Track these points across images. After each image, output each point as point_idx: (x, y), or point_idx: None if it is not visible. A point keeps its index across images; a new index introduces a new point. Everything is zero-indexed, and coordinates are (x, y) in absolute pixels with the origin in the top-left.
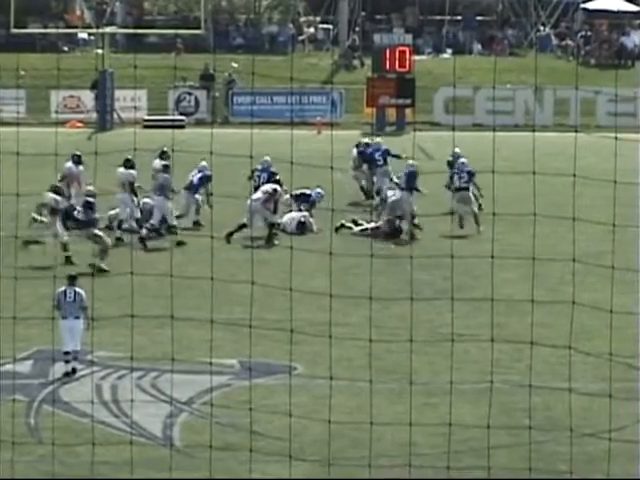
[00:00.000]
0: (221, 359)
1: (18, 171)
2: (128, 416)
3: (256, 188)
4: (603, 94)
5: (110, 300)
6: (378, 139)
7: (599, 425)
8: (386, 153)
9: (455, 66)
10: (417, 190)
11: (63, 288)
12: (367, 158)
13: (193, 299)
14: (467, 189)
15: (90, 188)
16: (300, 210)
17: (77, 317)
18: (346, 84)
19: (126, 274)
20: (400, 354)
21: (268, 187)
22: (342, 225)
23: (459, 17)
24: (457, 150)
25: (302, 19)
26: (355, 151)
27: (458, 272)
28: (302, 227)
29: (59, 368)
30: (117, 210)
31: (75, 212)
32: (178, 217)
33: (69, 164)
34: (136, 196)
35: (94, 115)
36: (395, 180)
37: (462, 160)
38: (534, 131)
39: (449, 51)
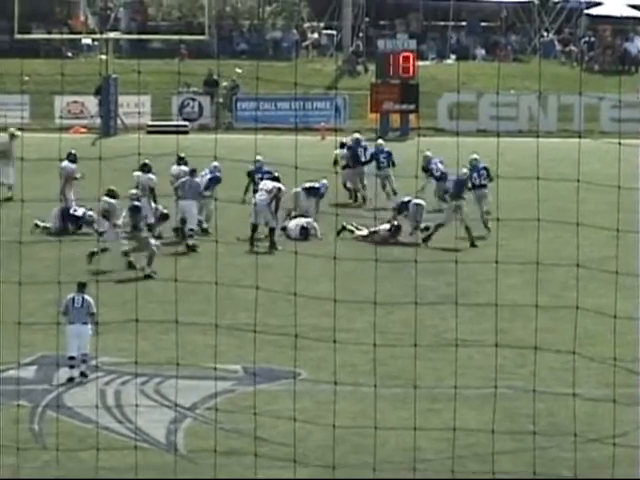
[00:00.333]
0: (225, 365)
1: (22, 176)
2: (132, 422)
3: (255, 191)
4: (607, 100)
5: (114, 305)
6: (380, 141)
7: (603, 430)
8: (389, 155)
9: (459, 72)
10: (462, 198)
11: (72, 295)
12: (356, 156)
13: (197, 304)
14: (485, 186)
15: (134, 191)
16: (310, 200)
17: (85, 323)
18: (350, 90)
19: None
20: (404, 359)
21: (271, 186)
22: (343, 228)
23: (463, 23)
24: (476, 156)
25: (306, 25)
26: (339, 151)
27: (462, 277)
28: (305, 233)
29: (63, 373)
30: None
31: (72, 211)
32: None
33: (64, 163)
34: (155, 202)
35: (98, 121)
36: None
37: (475, 156)
38: (538, 137)
39: (453, 57)
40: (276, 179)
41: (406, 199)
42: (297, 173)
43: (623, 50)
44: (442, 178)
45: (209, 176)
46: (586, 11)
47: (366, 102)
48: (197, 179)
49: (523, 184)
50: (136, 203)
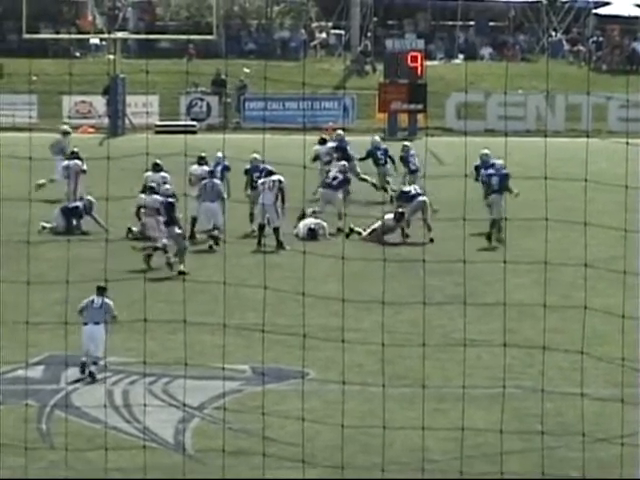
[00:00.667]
0: (233, 364)
1: (31, 176)
2: (140, 421)
3: (253, 188)
4: (615, 100)
5: (122, 305)
6: (376, 137)
7: (611, 430)
8: (386, 152)
9: (467, 71)
10: (510, 191)
11: (92, 297)
12: (345, 151)
13: (205, 304)
14: (500, 192)
15: (168, 187)
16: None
17: (97, 323)
18: (358, 89)
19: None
20: (412, 359)
21: (272, 182)
22: (351, 230)
23: (471, 23)
24: (487, 151)
25: (314, 24)
26: (321, 147)
27: (470, 277)
28: (312, 233)
29: (71, 373)
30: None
31: (70, 205)
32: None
33: (71, 162)
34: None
35: (106, 120)
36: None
37: (485, 151)
38: (546, 136)
39: (461, 56)
40: (272, 173)
41: (406, 189)
42: (305, 173)
43: (631, 50)
44: (414, 172)
45: (219, 167)
46: (594, 11)
47: (374, 102)
48: (217, 180)
49: (531, 184)
50: (170, 199)
